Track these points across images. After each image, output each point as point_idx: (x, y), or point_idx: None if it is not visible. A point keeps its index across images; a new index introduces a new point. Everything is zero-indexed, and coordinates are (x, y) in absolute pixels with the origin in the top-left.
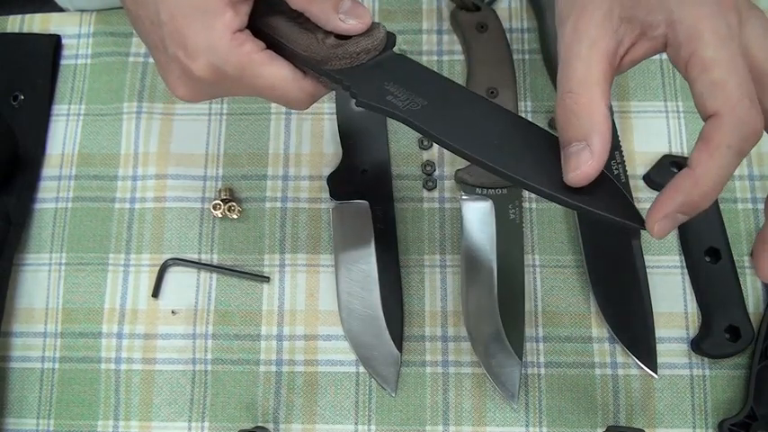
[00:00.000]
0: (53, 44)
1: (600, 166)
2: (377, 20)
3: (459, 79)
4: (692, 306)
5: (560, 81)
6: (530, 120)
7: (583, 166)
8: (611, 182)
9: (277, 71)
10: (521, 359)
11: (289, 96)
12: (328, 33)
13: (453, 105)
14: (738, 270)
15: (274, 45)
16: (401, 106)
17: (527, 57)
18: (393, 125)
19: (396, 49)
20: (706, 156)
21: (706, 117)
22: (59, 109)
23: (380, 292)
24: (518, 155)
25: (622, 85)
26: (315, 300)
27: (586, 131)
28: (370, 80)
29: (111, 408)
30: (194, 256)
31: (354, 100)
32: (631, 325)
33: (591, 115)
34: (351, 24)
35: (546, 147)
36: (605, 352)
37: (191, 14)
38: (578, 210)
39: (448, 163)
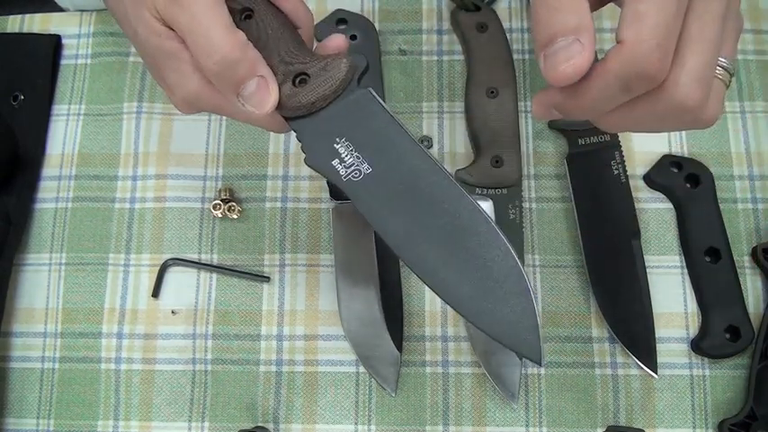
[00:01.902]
0: (53, 44)
1: (591, 61)
2: (377, 20)
3: (460, 79)
4: (692, 306)
5: None
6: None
7: (576, 56)
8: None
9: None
10: (521, 359)
11: (265, 126)
12: (286, 78)
13: (399, 176)
14: (738, 270)
15: None
16: (343, 175)
17: (527, 57)
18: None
19: (396, 48)
20: (595, 73)
21: (617, 42)
22: (59, 109)
23: (380, 292)
24: (439, 260)
25: None
26: (315, 300)
27: (574, 26)
28: (321, 137)
29: (111, 408)
30: (194, 256)
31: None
32: (631, 325)
33: (576, 11)
34: (250, 111)
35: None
36: (605, 352)
37: (159, 57)
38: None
39: (448, 162)
